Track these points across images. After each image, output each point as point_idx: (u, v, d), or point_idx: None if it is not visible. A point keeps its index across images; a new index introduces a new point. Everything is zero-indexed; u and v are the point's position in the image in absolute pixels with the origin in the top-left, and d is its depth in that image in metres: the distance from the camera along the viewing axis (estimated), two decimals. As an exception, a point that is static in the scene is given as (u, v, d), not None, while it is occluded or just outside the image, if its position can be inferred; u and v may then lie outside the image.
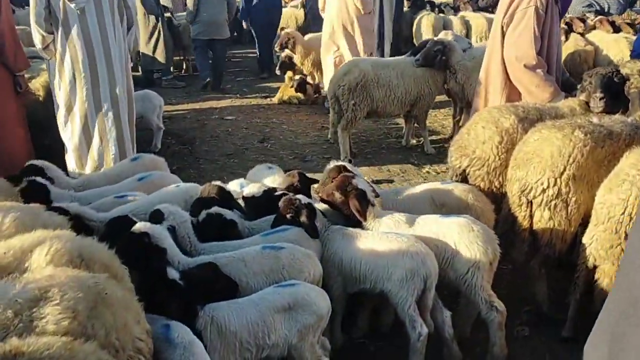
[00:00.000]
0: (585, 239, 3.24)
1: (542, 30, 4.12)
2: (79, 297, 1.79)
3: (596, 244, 3.14)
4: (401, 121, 7.60)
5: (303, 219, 3.18)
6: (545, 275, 3.56)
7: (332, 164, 3.66)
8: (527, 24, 4.07)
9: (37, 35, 4.86)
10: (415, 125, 7.10)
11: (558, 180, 3.26)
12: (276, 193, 3.50)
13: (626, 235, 2.96)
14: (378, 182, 6.05)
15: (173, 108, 9.13)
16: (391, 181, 6.15)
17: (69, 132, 5.06)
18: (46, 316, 1.73)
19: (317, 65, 9.01)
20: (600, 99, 3.88)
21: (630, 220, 2.92)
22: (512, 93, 4.32)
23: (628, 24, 8.39)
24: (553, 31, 4.18)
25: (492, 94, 4.44)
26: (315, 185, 3.68)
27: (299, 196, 3.30)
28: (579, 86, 4.34)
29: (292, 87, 9.35)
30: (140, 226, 2.75)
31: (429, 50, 6.37)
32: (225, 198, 3.36)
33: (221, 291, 2.67)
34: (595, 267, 3.22)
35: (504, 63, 4.27)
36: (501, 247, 3.31)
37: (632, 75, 4.03)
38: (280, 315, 2.63)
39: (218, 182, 3.47)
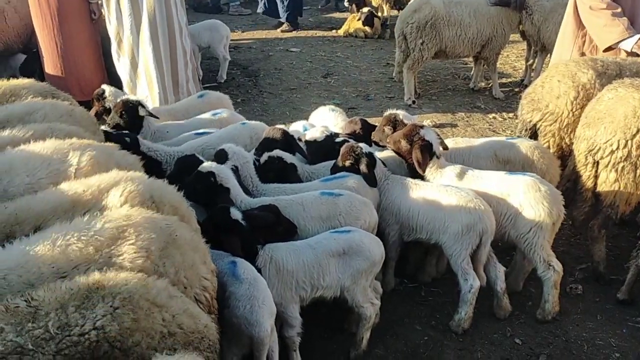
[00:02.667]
0: None
1: None
2: (152, 238, 1.95)
3: None
4: (470, 61, 7.34)
5: (362, 167, 3.23)
6: (605, 237, 3.49)
7: (388, 112, 3.62)
8: None
9: None
10: (485, 67, 6.84)
11: (629, 142, 3.13)
12: (338, 139, 3.54)
13: None
14: (441, 126, 5.97)
15: (239, 37, 9.15)
16: (455, 125, 6.04)
17: (122, 66, 5.24)
18: (123, 254, 1.89)
19: (387, -3, 8.73)
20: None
21: None
22: (584, 44, 4.07)
23: None
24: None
25: (566, 44, 4.20)
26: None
27: (361, 144, 3.33)
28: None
29: (359, 19, 9.12)
30: (206, 166, 2.89)
31: (505, -12, 6.02)
32: (288, 142, 3.44)
33: (281, 232, 2.81)
34: None
35: (577, 10, 4.01)
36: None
37: None
38: (335, 259, 2.76)
39: (282, 126, 3.54)
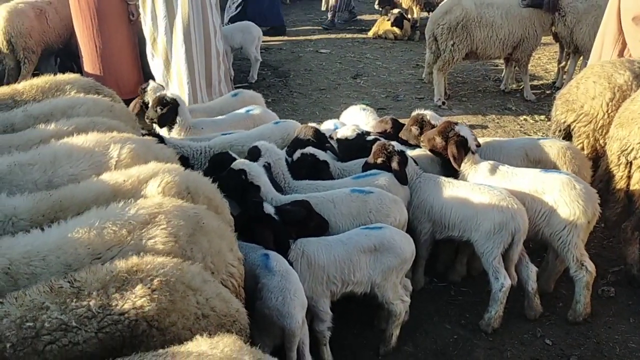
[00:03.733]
0: None
1: None
2: (181, 225, 2.04)
3: None
4: (501, 63, 7.29)
5: (394, 165, 3.26)
6: (638, 239, 3.44)
7: (415, 112, 3.65)
8: None
9: None
10: (516, 68, 6.79)
11: (664, 143, 3.10)
12: (369, 137, 3.57)
13: None
14: (471, 127, 5.87)
15: (270, 38, 9.24)
16: (485, 127, 6.01)
17: (156, 65, 5.35)
18: (154, 237, 1.99)
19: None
20: None
21: None
22: (625, 48, 4.02)
23: None
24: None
25: (607, 46, 4.15)
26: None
27: (393, 142, 3.36)
28: None
29: (388, 20, 9.13)
30: (238, 163, 2.96)
31: (538, -11, 5.97)
32: (320, 140, 3.49)
33: (313, 228, 2.85)
34: None
35: (620, 15, 3.96)
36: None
37: None
38: (366, 256, 2.79)
39: (314, 124, 3.60)
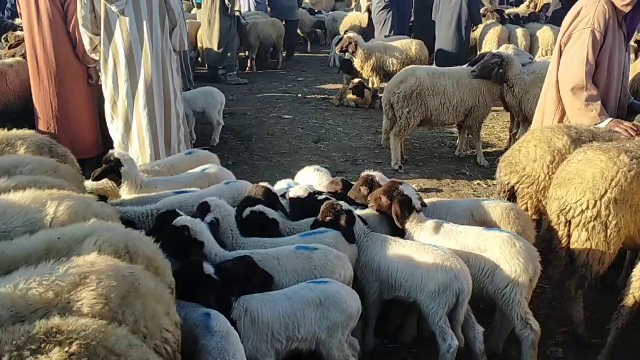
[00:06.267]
0: (638, 271, 3.19)
1: (601, 54, 4.01)
2: (113, 286, 1.97)
3: None
4: (457, 130, 7.57)
5: (342, 223, 3.30)
6: (582, 297, 3.51)
7: (365, 173, 3.75)
8: (581, 46, 3.98)
9: (85, 38, 5.18)
10: (470, 136, 7.06)
11: (598, 202, 3.23)
12: (320, 197, 3.62)
13: None
14: (426, 191, 6.08)
15: (235, 105, 9.44)
16: (440, 191, 6.15)
17: (115, 128, 5.38)
18: (82, 299, 1.91)
19: (377, 70, 9.09)
20: (663, 126, 3.77)
21: None
22: (564, 115, 4.26)
23: None
24: (614, 56, 4.06)
25: (547, 113, 4.38)
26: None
27: (341, 202, 3.42)
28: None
29: (350, 89, 9.47)
30: (181, 220, 2.95)
31: (486, 62, 6.33)
32: (271, 199, 3.52)
33: (257, 284, 2.83)
34: None
35: (558, 85, 4.22)
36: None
37: (697, 101, 3.90)
38: (311, 310, 2.76)
39: (265, 184, 3.63)
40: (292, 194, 3.68)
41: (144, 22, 5.18)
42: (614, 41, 4.04)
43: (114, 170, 3.76)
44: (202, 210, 3.21)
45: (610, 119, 4.00)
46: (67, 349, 1.67)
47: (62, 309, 1.87)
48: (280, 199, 3.73)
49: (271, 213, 3.39)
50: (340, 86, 10.21)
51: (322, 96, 10.31)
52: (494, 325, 3.49)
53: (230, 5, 10.26)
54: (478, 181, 6.41)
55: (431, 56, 10.10)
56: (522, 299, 3.16)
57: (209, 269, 2.67)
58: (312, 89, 10.90)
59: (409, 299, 3.21)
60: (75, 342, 1.69)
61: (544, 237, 3.59)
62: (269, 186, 3.61)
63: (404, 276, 3.19)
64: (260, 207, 3.38)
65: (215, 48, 10.47)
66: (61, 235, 2.24)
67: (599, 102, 4.03)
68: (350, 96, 9.48)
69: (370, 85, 9.59)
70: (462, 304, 3.10)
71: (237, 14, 11.30)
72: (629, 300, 3.18)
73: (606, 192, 3.24)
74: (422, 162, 7.07)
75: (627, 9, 3.98)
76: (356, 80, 9.51)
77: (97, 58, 5.35)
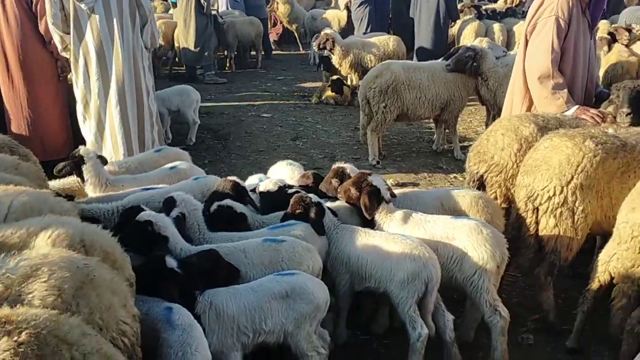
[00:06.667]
0: (603, 255, 3.21)
1: (566, 42, 4.05)
2: (66, 277, 1.93)
3: (616, 262, 3.10)
4: (434, 125, 7.59)
5: (311, 215, 3.29)
6: (552, 284, 3.53)
7: (335, 165, 3.75)
8: (545, 34, 4.01)
9: (56, 37, 5.12)
10: (446, 130, 7.09)
11: (564, 188, 3.26)
12: (290, 190, 3.61)
13: None
14: (404, 185, 6.09)
15: (212, 104, 9.39)
16: (417, 185, 6.17)
17: (87, 128, 5.32)
18: (33, 292, 1.86)
19: (355, 67, 9.10)
20: (627, 115, 3.79)
21: None
22: (532, 104, 4.29)
23: (678, 34, 8.05)
24: (579, 43, 4.10)
25: (516, 102, 4.41)
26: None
27: (310, 195, 3.41)
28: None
29: (329, 87, 9.46)
30: (144, 215, 2.92)
31: (460, 56, 6.37)
32: (239, 192, 3.50)
33: (223, 277, 2.81)
34: (609, 283, 3.20)
35: (525, 74, 4.25)
36: (510, 253, 3.36)
37: (663, 89, 3.94)
38: (278, 302, 2.74)
39: (234, 178, 3.60)
40: (262, 187, 3.66)
41: (114, 19, 5.13)
42: (578, 28, 4.07)
43: (77, 167, 3.71)
44: (168, 205, 3.18)
45: (577, 106, 4.04)
46: (15, 338, 1.63)
47: (12, 301, 1.83)
48: (251, 193, 3.72)
49: (239, 207, 3.37)
50: (319, 84, 10.21)
51: (301, 94, 10.30)
52: (465, 313, 3.50)
53: (205, 4, 10.21)
54: (455, 174, 6.44)
55: (409, 52, 10.14)
56: (491, 286, 3.17)
57: (171, 262, 2.64)
58: (292, 87, 10.89)
59: (379, 289, 3.21)
60: (25, 331, 1.66)
61: (512, 225, 3.61)
62: (237, 180, 3.59)
63: (374, 267, 3.18)
64: (227, 201, 3.35)
65: (192, 47, 10.41)
66: (15, 230, 2.20)
67: (565, 90, 4.06)
68: (329, 93, 9.47)
69: (349, 82, 9.60)
70: (431, 292, 3.11)
71: (214, 12, 11.25)
72: (594, 284, 3.20)
73: (572, 177, 3.27)
74: (399, 157, 7.09)
75: (590, -3, 4.02)
76: (334, 77, 9.51)
77: (67, 56, 5.29)
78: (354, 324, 3.57)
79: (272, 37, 15.31)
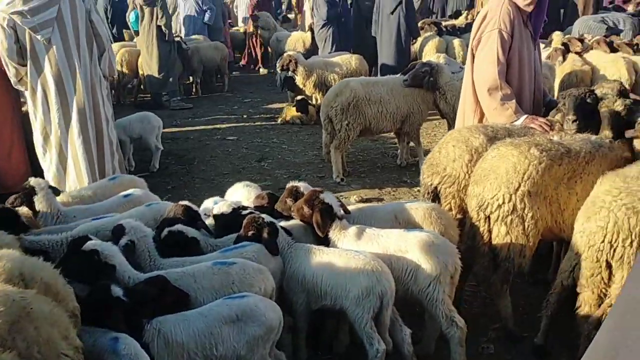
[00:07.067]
0: (564, 265, 3.27)
1: (510, 53, 4.15)
2: (0, 311, 1.88)
3: (577, 271, 3.15)
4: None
5: (264, 236, 3.27)
6: (508, 292, 3.56)
7: (289, 184, 3.75)
8: (490, 47, 4.11)
9: (10, 69, 5.05)
10: (410, 144, 7.16)
11: (513, 196, 3.30)
12: (244, 212, 3.59)
13: (608, 263, 2.95)
14: (367, 200, 6.11)
15: (178, 129, 9.36)
16: (381, 200, 6.20)
17: (48, 160, 5.24)
18: None
19: (319, 86, 9.16)
20: (573, 122, 3.85)
21: (611, 249, 2.90)
22: (484, 115, 4.37)
23: (627, 44, 8.32)
24: (524, 54, 4.20)
25: (467, 114, 4.49)
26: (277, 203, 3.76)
27: (263, 215, 3.39)
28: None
29: (294, 107, 9.51)
30: (90, 244, 2.87)
31: (417, 71, 6.48)
32: (191, 217, 3.46)
33: (172, 303, 2.76)
34: (570, 291, 3.24)
35: (474, 86, 4.34)
36: (467, 263, 3.38)
37: (606, 96, 4.04)
38: (228, 327, 2.70)
39: (185, 202, 3.57)
40: (216, 210, 3.63)
41: (72, 49, 5.10)
42: (522, 40, 4.17)
43: (29, 198, 3.64)
44: (117, 233, 3.13)
45: (526, 115, 4.12)
46: None
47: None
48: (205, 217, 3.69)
49: (191, 231, 3.33)
50: (285, 104, 10.25)
51: (267, 115, 10.32)
52: (425, 326, 3.49)
53: (167, 31, 10.21)
54: (419, 188, 6.40)
55: (371, 69, 10.27)
56: (446, 297, 3.18)
57: (116, 291, 2.59)
58: (258, 109, 10.91)
59: (335, 306, 3.19)
60: None
61: (467, 235, 3.64)
62: (189, 204, 3.56)
63: (328, 284, 3.17)
64: (178, 227, 3.31)
65: (156, 74, 10.38)
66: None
67: (514, 101, 4.14)
68: (295, 113, 9.52)
69: (313, 102, 9.66)
70: (386, 307, 3.10)
71: (177, 39, 11.26)
72: (557, 291, 3.25)
73: (520, 185, 3.32)
74: (364, 173, 7.13)
75: (530, 8, 4.12)
76: (299, 97, 9.57)
77: (22, 89, 5.22)
78: (315, 344, 3.54)
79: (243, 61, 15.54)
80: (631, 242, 2.76)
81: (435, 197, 3.91)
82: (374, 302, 3.07)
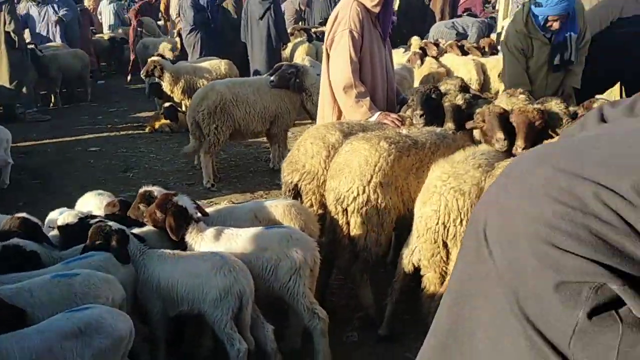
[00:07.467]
0: (406, 250, 3.43)
1: (362, 53, 4.31)
2: None
3: (419, 254, 3.32)
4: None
5: (113, 244, 3.09)
6: (368, 281, 3.67)
7: (142, 189, 3.59)
8: (342, 47, 4.25)
9: None
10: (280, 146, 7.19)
11: (366, 188, 3.41)
12: (92, 221, 3.36)
13: (444, 243, 3.12)
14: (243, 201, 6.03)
15: (34, 142, 8.64)
16: (252, 203, 6.14)
17: None
18: None
19: (188, 92, 8.91)
20: (420, 116, 4.07)
21: (444, 229, 3.09)
22: (342, 113, 4.49)
23: (476, 47, 9.06)
24: (374, 53, 4.39)
25: (326, 112, 4.59)
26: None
27: (110, 222, 3.21)
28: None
29: (162, 114, 9.18)
30: None
31: (283, 72, 6.52)
32: (30, 229, 3.20)
33: (5, 321, 2.50)
34: (413, 274, 3.39)
35: (331, 85, 4.45)
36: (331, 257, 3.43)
37: (449, 91, 4.33)
38: (71, 342, 2.49)
39: (23, 214, 3.29)
40: (60, 221, 3.39)
41: None
42: (372, 40, 4.35)
43: None
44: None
45: (379, 112, 4.29)
46: None
47: None
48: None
49: (29, 245, 3.07)
50: (153, 112, 9.87)
51: (135, 124, 9.85)
52: (290, 321, 3.49)
53: (17, 38, 9.40)
54: (289, 189, 6.51)
55: (242, 75, 10.20)
56: (306, 290, 3.20)
57: None
58: (125, 118, 10.38)
59: (193, 310, 3.09)
60: None
61: (328, 229, 3.70)
62: (27, 216, 3.28)
63: (184, 288, 3.06)
64: (15, 241, 3.03)
65: (7, 84, 9.50)
66: None
67: (368, 98, 4.30)
68: (163, 121, 9.19)
69: (183, 108, 9.38)
70: (245, 306, 3.05)
71: (31, 46, 10.42)
72: (400, 277, 3.39)
73: (372, 177, 3.44)
74: (236, 178, 7.04)
75: (377, 9, 4.31)
76: (167, 104, 9.25)
77: None
78: (177, 353, 3.40)
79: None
80: (461, 221, 2.97)
81: (296, 194, 3.94)
82: (233, 303, 3.02)
